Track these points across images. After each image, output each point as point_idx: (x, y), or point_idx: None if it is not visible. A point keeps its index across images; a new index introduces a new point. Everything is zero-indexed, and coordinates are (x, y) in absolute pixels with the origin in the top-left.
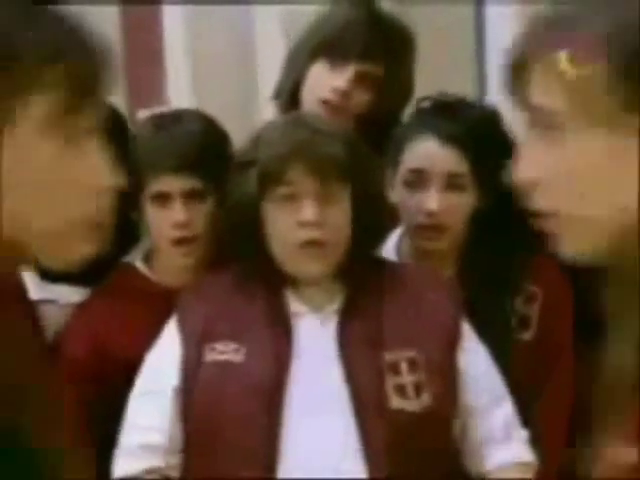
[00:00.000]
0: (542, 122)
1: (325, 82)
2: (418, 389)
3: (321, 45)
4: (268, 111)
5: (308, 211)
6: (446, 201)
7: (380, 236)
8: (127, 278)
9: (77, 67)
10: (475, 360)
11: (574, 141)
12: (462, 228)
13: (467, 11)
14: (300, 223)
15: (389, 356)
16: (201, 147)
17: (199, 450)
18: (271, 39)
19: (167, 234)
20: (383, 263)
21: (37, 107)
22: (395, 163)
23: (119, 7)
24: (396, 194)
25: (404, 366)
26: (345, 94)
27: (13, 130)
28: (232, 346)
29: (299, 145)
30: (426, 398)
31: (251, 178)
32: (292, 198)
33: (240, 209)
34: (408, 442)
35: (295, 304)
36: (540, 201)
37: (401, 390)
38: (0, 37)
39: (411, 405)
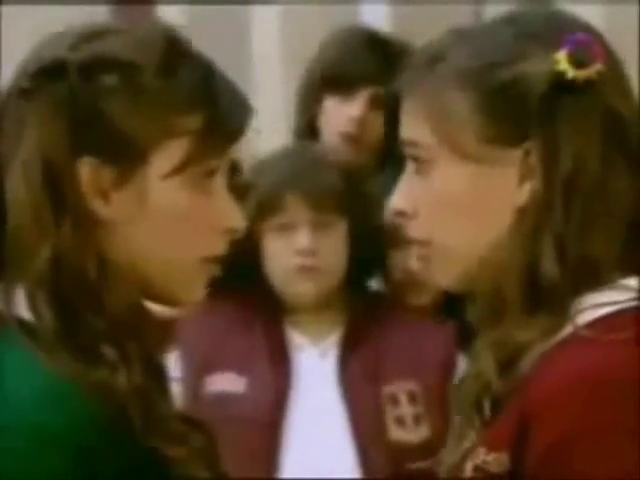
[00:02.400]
0: (412, 155)
1: (339, 114)
2: (417, 420)
3: (327, 77)
4: (264, 105)
5: (303, 239)
6: None
7: (378, 268)
8: None
9: (214, 116)
10: None
11: (439, 173)
12: None
13: (465, 11)
14: (295, 250)
15: (388, 388)
16: None
17: None
18: (268, 38)
19: None
20: (381, 296)
21: (170, 153)
22: None
23: (109, 7)
24: None
25: (403, 398)
26: (360, 122)
27: (142, 173)
28: (233, 377)
29: (295, 174)
30: (425, 430)
31: (249, 206)
32: (288, 226)
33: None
34: (407, 473)
35: (294, 335)
36: (411, 231)
37: (400, 421)
38: (138, 82)
39: (410, 436)
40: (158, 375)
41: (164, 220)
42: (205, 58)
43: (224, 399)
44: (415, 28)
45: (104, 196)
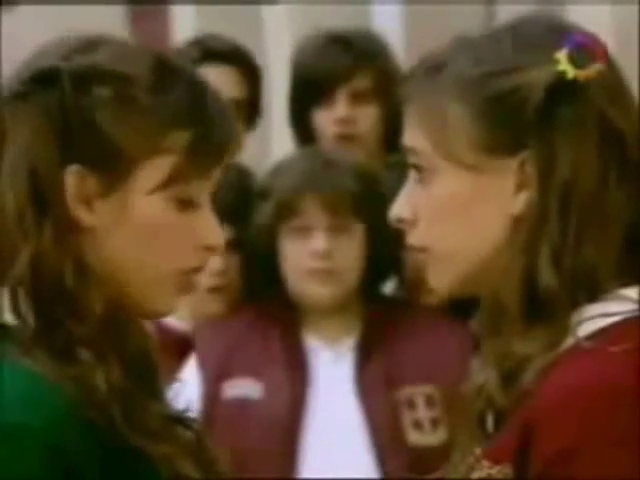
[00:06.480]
0: (413, 162)
1: (328, 119)
2: (435, 424)
3: (304, 87)
4: (276, 107)
5: (319, 242)
6: None
7: (394, 270)
8: None
9: (202, 135)
10: None
11: (438, 181)
12: None
13: (477, 11)
14: (311, 253)
15: (405, 391)
16: None
17: None
18: (280, 39)
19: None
20: (396, 300)
21: (155, 169)
22: None
23: (125, 7)
24: None
25: (421, 401)
26: (349, 120)
27: (127, 184)
28: (250, 382)
29: (312, 177)
30: (442, 433)
31: (267, 209)
32: (305, 229)
33: (257, 240)
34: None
35: (310, 339)
36: (411, 239)
37: (418, 425)
38: (127, 94)
39: (428, 439)
40: (147, 375)
41: (144, 232)
42: (198, 76)
43: (241, 404)
44: (427, 29)
45: (88, 204)
